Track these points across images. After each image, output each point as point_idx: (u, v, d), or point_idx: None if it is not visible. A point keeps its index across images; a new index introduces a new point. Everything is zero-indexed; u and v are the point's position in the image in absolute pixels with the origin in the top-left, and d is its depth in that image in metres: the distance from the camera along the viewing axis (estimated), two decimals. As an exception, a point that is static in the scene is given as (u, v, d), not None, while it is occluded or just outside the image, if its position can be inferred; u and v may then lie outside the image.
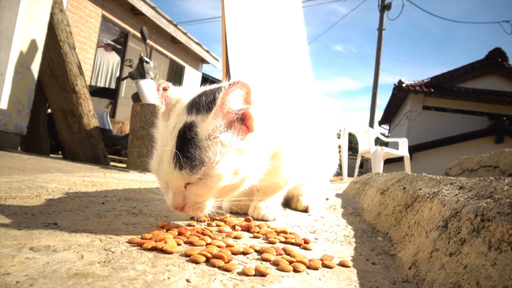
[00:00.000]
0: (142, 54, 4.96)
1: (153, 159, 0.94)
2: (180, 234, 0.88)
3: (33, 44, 3.58)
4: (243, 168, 0.92)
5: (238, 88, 0.88)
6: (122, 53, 8.78)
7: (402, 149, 6.13)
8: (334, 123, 1.60)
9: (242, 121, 0.92)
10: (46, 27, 3.67)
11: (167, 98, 0.98)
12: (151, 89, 4.78)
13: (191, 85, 10.97)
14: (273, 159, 1.07)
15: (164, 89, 0.98)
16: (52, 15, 3.75)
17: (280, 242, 0.93)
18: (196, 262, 0.69)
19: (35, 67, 3.67)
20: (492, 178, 0.82)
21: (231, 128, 0.91)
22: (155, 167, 0.92)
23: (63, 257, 0.65)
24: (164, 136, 0.91)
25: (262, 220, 1.20)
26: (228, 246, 0.81)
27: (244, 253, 0.79)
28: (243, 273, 0.65)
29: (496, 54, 12.40)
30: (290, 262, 0.73)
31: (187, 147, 0.86)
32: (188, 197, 0.89)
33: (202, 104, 0.92)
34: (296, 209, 1.55)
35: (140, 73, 4.84)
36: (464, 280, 0.55)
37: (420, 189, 1.05)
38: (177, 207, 0.89)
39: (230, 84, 0.87)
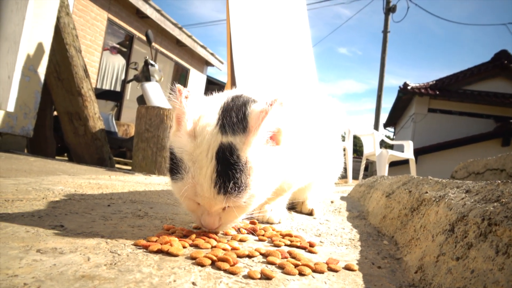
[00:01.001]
0: (147, 57, 4.99)
1: (182, 181, 0.85)
2: (185, 236, 0.88)
3: (40, 47, 3.62)
4: (274, 181, 0.94)
5: (277, 107, 0.85)
6: (127, 56, 8.84)
7: (407, 151, 6.10)
8: (339, 125, 1.59)
9: (273, 135, 0.91)
10: (52, 30, 3.71)
11: (191, 111, 0.88)
12: (156, 92, 4.81)
13: (198, 90, 11.03)
14: None
15: (186, 98, 0.87)
16: (58, 19, 3.79)
17: (286, 245, 0.93)
18: (202, 265, 0.69)
19: (42, 70, 3.71)
20: (499, 181, 0.81)
21: (266, 146, 0.89)
22: (186, 189, 0.85)
23: (70, 259, 0.65)
24: (197, 157, 0.84)
25: (267, 223, 1.20)
26: (233, 249, 0.81)
27: (250, 256, 0.79)
28: (249, 276, 0.65)
29: (502, 56, 12.32)
30: (296, 266, 0.73)
31: (232, 171, 0.82)
32: (224, 218, 0.89)
33: (236, 123, 0.87)
34: (301, 212, 1.54)
35: (145, 75, 4.87)
36: (471, 285, 0.55)
37: (426, 192, 1.04)
38: (213, 228, 0.90)
39: (269, 104, 0.84)
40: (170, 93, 0.89)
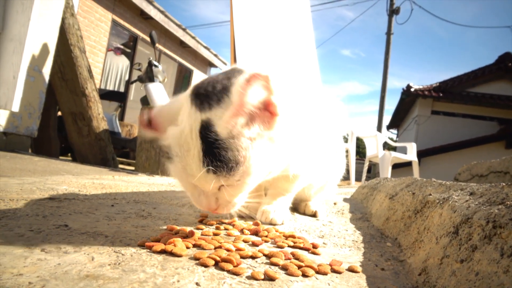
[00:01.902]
0: (151, 58, 5.01)
1: (174, 164, 0.87)
2: (189, 237, 0.88)
3: (44, 48, 3.64)
4: (275, 155, 0.89)
5: (257, 83, 0.80)
6: (131, 56, 8.87)
7: (411, 154, 6.08)
8: (342, 126, 1.58)
9: (265, 108, 0.86)
10: (57, 31, 3.73)
11: (155, 120, 0.91)
12: (159, 93, 4.82)
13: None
14: None
15: (150, 119, 0.91)
16: (63, 19, 3.81)
17: (289, 246, 0.93)
18: (205, 266, 0.69)
19: (47, 70, 3.73)
20: (504, 184, 0.81)
21: (255, 119, 0.85)
22: (179, 172, 0.86)
23: (74, 258, 0.65)
24: (184, 140, 0.84)
25: (270, 224, 1.20)
26: (238, 249, 0.81)
27: (253, 257, 0.79)
28: (252, 277, 0.65)
29: (506, 59, 12.26)
30: (299, 267, 0.73)
31: (218, 149, 0.80)
32: (221, 198, 0.87)
33: (212, 95, 0.84)
34: (304, 214, 1.54)
35: (149, 76, 4.89)
36: (476, 287, 0.55)
37: (430, 194, 1.04)
38: (211, 209, 0.87)
39: (247, 80, 0.79)
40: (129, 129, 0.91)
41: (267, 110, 0.86)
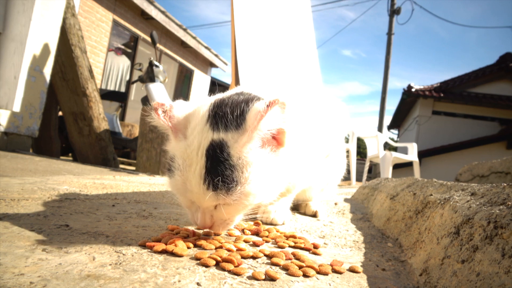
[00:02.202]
0: (152, 58, 5.02)
1: (174, 178, 0.87)
2: (189, 237, 0.88)
3: (45, 48, 3.64)
4: (275, 183, 0.90)
5: (277, 109, 0.81)
6: (132, 57, 8.88)
7: (411, 154, 6.08)
8: (343, 127, 1.58)
9: (274, 135, 0.88)
10: (58, 31, 3.73)
11: (172, 119, 0.89)
12: (160, 93, 4.83)
13: (202, 91, 11.04)
14: None
15: (164, 111, 0.89)
16: (64, 20, 3.82)
17: (290, 246, 0.93)
18: (206, 266, 0.69)
19: (48, 70, 3.73)
20: (505, 184, 0.81)
21: (264, 145, 0.87)
22: (178, 186, 0.87)
23: (75, 258, 0.65)
24: (188, 155, 0.85)
25: (271, 224, 1.20)
26: (238, 250, 0.81)
27: (254, 257, 0.79)
28: (253, 277, 0.65)
29: (507, 59, 12.25)
30: (300, 267, 0.73)
31: (221, 168, 0.81)
32: (216, 216, 0.87)
33: (229, 119, 0.85)
34: (305, 214, 1.54)
35: (149, 76, 4.89)
36: (477, 288, 0.55)
37: (431, 195, 1.04)
38: (205, 226, 0.87)
39: (268, 105, 0.81)
40: (146, 115, 0.89)
41: (275, 138, 0.88)
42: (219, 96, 0.96)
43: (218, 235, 0.95)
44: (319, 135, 1.26)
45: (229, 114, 0.85)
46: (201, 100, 0.97)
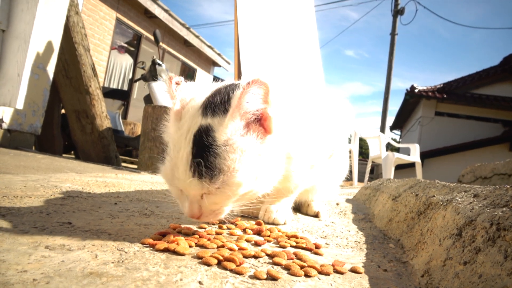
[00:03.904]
0: (155, 57, 5.02)
1: (165, 164, 0.87)
2: (191, 235, 0.88)
3: (49, 46, 3.65)
4: (262, 173, 0.88)
5: (256, 87, 0.81)
6: (135, 55, 8.89)
7: (414, 155, 6.06)
8: (346, 126, 1.57)
9: (259, 122, 0.87)
10: (62, 29, 3.74)
11: (181, 95, 0.89)
12: (163, 91, 4.83)
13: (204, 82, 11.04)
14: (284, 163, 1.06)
15: (177, 84, 0.89)
16: (68, 18, 3.83)
17: (291, 246, 0.93)
18: (208, 265, 0.69)
19: (51, 68, 3.74)
20: (508, 186, 0.81)
21: (249, 131, 0.85)
22: (167, 173, 0.86)
23: (78, 256, 0.66)
24: (177, 140, 0.85)
25: (273, 224, 1.20)
26: (240, 249, 0.81)
27: (256, 257, 0.79)
28: (255, 277, 0.66)
29: (511, 61, 12.20)
30: (302, 267, 0.73)
31: (206, 154, 0.80)
32: (204, 206, 0.85)
33: (217, 105, 0.85)
34: (306, 214, 1.54)
35: (152, 75, 4.90)
36: (479, 290, 0.54)
37: (433, 196, 1.04)
38: (193, 216, 0.85)
39: (248, 83, 0.81)
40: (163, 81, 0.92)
41: (261, 125, 0.87)
42: (221, 85, 0.96)
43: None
44: (322, 134, 1.25)
45: (218, 100, 0.86)
46: (210, 85, 0.98)
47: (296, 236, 1.00)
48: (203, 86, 0.97)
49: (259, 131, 0.87)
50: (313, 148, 1.18)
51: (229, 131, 0.82)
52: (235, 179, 0.82)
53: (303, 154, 1.12)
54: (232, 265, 0.69)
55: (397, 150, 8.02)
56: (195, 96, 0.91)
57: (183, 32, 9.44)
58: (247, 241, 0.93)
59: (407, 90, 12.75)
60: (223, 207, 0.88)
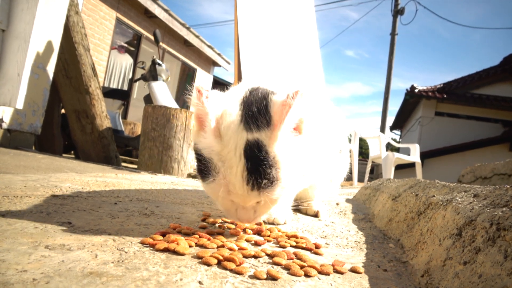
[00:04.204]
0: (155, 56, 5.02)
1: (214, 182, 0.87)
2: (191, 235, 0.88)
3: (49, 46, 3.65)
4: (302, 171, 0.94)
5: (299, 98, 0.83)
6: (135, 55, 8.89)
7: (414, 155, 6.06)
8: (345, 127, 1.60)
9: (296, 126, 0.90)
10: (62, 29, 3.74)
11: (214, 110, 0.87)
12: (163, 91, 4.83)
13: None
14: None
15: (207, 98, 0.86)
16: (68, 17, 3.82)
17: (291, 246, 0.93)
18: (208, 264, 0.69)
19: (51, 68, 3.74)
20: (508, 186, 0.81)
21: (291, 135, 0.89)
22: (216, 190, 0.87)
23: (78, 256, 0.66)
24: (226, 158, 0.85)
25: (273, 223, 1.20)
26: (240, 249, 0.81)
27: (255, 257, 0.79)
28: (255, 277, 0.66)
29: (511, 61, 12.19)
30: (301, 267, 0.73)
31: (262, 168, 0.83)
32: (259, 210, 0.92)
33: (258, 117, 0.86)
34: (306, 214, 1.54)
35: (152, 75, 4.90)
36: (479, 290, 0.54)
37: (433, 196, 1.04)
38: (249, 222, 0.92)
39: (292, 97, 0.83)
40: (187, 94, 0.91)
41: (295, 128, 0.90)
42: (243, 91, 0.95)
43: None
44: (331, 132, 1.29)
45: (256, 113, 0.87)
46: (229, 94, 0.98)
47: (296, 236, 1.00)
48: (225, 95, 0.97)
49: (294, 133, 0.90)
50: (325, 146, 1.21)
51: (279, 143, 0.85)
52: (290, 183, 0.88)
53: (319, 152, 1.14)
54: (232, 265, 0.69)
55: (397, 150, 8.03)
56: (226, 108, 0.90)
57: (183, 32, 9.44)
58: (247, 241, 0.93)
59: (407, 90, 12.75)
60: (273, 208, 0.95)
